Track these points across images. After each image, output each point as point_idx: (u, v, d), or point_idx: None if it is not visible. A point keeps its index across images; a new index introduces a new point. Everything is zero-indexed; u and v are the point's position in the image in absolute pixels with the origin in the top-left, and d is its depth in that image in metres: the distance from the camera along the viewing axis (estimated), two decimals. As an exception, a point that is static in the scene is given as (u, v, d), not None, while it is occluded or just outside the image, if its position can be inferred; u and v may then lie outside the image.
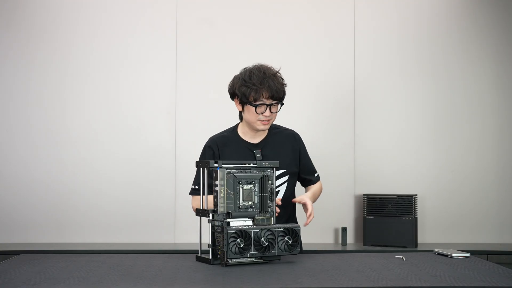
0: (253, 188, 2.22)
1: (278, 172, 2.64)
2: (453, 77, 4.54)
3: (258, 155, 2.62)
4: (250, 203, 2.21)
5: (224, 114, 4.42)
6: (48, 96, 4.38)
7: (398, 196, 4.29)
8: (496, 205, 4.50)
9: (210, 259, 2.15)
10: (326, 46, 4.50)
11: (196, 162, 2.26)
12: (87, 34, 4.43)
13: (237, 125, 2.74)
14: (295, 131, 2.81)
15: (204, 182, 2.23)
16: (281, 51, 4.45)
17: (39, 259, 2.29)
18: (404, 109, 4.52)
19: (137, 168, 4.38)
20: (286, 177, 2.68)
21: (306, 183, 2.82)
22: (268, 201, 2.24)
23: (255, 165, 2.23)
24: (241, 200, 2.19)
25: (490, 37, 4.55)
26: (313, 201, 2.68)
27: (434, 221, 4.47)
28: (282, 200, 2.60)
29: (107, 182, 4.36)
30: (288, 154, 2.70)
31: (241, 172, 2.19)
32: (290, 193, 2.70)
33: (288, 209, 2.69)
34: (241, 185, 2.20)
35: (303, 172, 2.77)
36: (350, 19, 4.51)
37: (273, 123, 2.71)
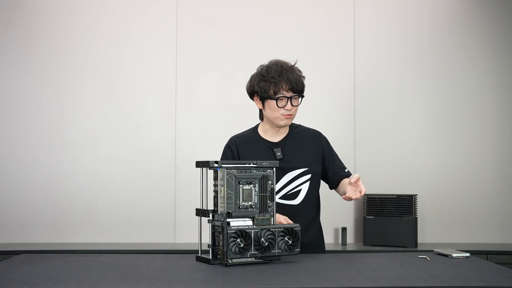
0: (253, 188, 2.22)
1: (299, 171, 2.58)
2: (453, 76, 4.53)
3: (279, 153, 2.56)
4: (250, 203, 2.21)
5: (224, 114, 4.44)
6: (47, 96, 4.38)
7: (398, 196, 4.29)
8: (496, 205, 4.50)
9: (210, 259, 2.15)
10: (326, 45, 4.50)
11: (196, 162, 2.26)
12: (87, 34, 4.43)
13: (257, 125, 2.69)
14: (319, 130, 2.72)
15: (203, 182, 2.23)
16: (281, 50, 4.44)
17: (39, 259, 2.29)
18: (404, 109, 4.52)
19: (137, 168, 4.38)
20: (309, 176, 2.59)
21: (336, 183, 2.68)
22: (268, 201, 2.24)
23: (255, 165, 2.22)
24: (241, 200, 2.19)
25: (491, 36, 4.55)
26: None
27: (434, 221, 4.47)
28: (304, 200, 2.56)
29: (107, 182, 4.36)
30: (310, 153, 2.62)
31: (241, 172, 2.19)
32: (313, 194, 2.61)
33: (312, 210, 2.62)
34: (241, 185, 2.20)
35: (331, 170, 2.65)
36: (350, 18, 4.51)
37: (295, 122, 2.66)
